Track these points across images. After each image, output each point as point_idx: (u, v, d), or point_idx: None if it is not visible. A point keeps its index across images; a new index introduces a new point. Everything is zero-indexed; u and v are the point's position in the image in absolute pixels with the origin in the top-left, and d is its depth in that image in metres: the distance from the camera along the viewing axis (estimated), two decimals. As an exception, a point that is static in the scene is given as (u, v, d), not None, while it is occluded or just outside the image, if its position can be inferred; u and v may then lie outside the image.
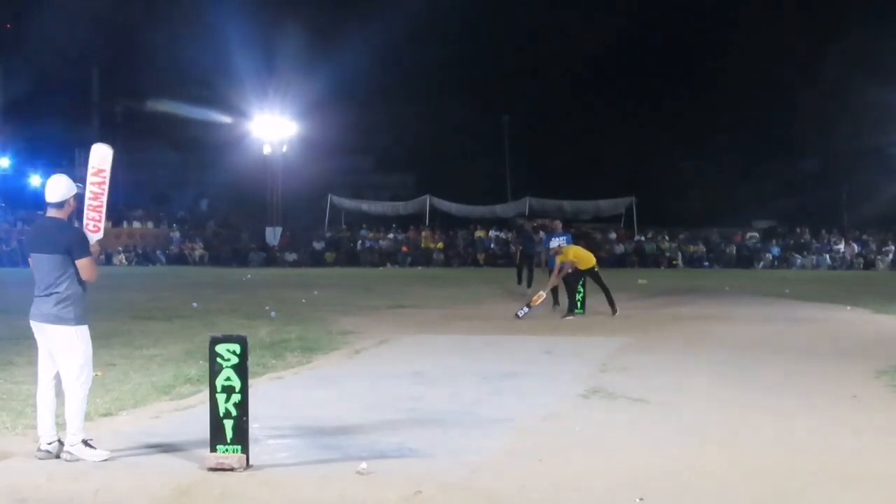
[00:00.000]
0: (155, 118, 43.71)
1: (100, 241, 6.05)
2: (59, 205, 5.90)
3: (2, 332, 11.42)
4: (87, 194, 5.94)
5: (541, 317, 15.34)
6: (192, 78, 41.14)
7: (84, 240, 5.92)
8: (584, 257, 15.37)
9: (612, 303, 15.23)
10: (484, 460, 5.85)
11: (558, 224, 17.82)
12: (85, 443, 5.81)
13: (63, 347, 5.83)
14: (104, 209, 6.01)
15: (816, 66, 41.62)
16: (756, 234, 38.90)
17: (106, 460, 5.73)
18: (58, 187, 5.92)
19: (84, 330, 5.89)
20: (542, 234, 37.74)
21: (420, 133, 45.28)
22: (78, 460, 5.73)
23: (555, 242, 16.66)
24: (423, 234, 40.39)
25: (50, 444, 5.83)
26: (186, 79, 41.53)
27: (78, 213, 6.07)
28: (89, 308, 6.01)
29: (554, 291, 16.26)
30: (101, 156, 5.96)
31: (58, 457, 5.80)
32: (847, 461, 5.89)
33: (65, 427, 5.84)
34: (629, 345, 11.66)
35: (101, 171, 5.95)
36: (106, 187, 5.98)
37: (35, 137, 43.31)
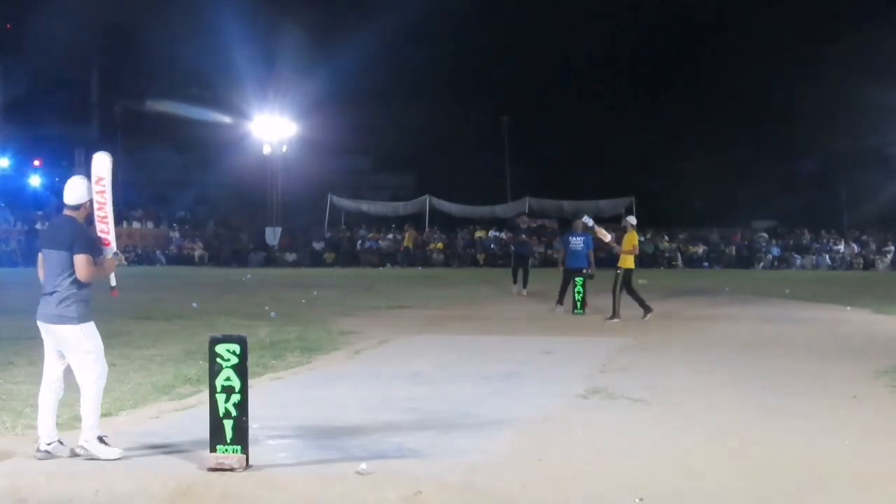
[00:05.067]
0: (155, 118, 43.73)
1: (113, 254, 5.94)
2: (75, 207, 5.93)
3: (2, 332, 11.42)
4: (94, 205, 5.91)
5: (541, 317, 15.37)
6: (192, 78, 41.20)
7: (87, 237, 5.90)
8: (632, 254, 14.73)
9: (615, 309, 14.74)
10: (484, 460, 5.85)
11: (579, 224, 17.60)
12: (100, 439, 5.81)
13: (72, 346, 5.84)
14: (111, 220, 5.96)
15: (816, 66, 41.63)
16: (765, 234, 38.89)
17: (119, 458, 5.73)
18: (74, 189, 5.94)
19: (89, 327, 5.87)
20: (534, 236, 37.70)
21: (420, 133, 45.29)
22: (92, 457, 5.74)
23: (575, 242, 16.52)
24: (407, 233, 40.28)
25: (49, 444, 5.83)
26: (186, 79, 41.60)
27: (88, 221, 6.06)
28: (92, 306, 5.98)
29: (562, 292, 16.16)
30: (100, 163, 5.93)
31: (57, 457, 5.79)
32: (847, 461, 5.88)
33: (75, 427, 5.83)
34: (629, 345, 11.65)
35: (101, 179, 5.91)
36: (108, 196, 5.94)
37: (35, 137, 43.32)
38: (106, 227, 5.94)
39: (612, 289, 14.70)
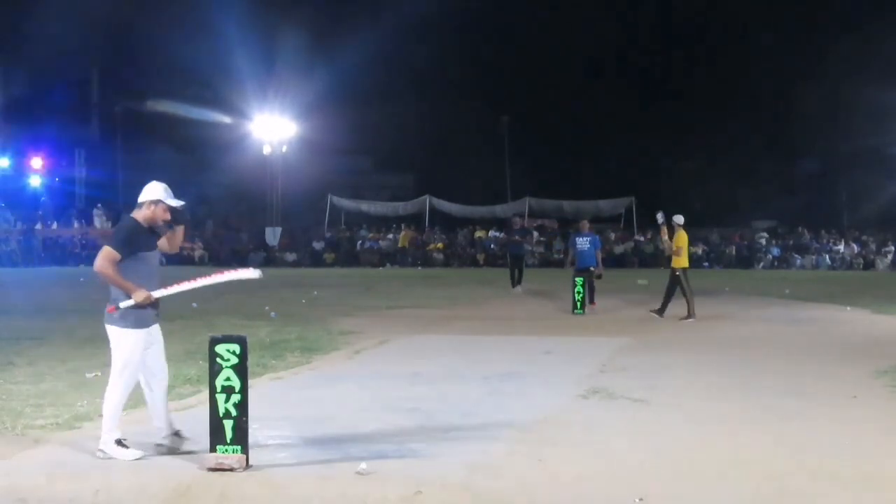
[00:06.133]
0: (155, 118, 43.71)
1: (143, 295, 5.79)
2: (138, 205, 5.98)
3: (2, 333, 11.41)
4: (174, 288, 5.88)
5: (541, 317, 15.37)
6: (192, 78, 41.13)
7: (119, 232, 5.93)
8: (686, 253, 14.73)
9: (690, 308, 14.72)
10: (484, 460, 5.85)
11: (585, 224, 17.58)
12: (119, 442, 5.81)
13: (112, 346, 5.88)
14: (184, 286, 5.91)
15: (816, 66, 41.64)
16: (765, 234, 38.90)
17: (139, 459, 5.73)
18: (145, 188, 6.00)
19: (133, 334, 5.82)
20: (536, 234, 37.43)
21: (420, 133, 45.29)
22: (110, 458, 5.75)
23: (581, 242, 16.49)
24: (403, 233, 40.35)
25: (164, 437, 5.89)
26: (186, 79, 41.52)
27: (152, 228, 6.01)
28: (148, 314, 5.86)
29: (589, 293, 15.99)
30: (247, 271, 5.93)
31: (173, 451, 5.84)
32: (847, 461, 5.88)
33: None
34: (629, 345, 11.66)
35: (231, 273, 5.94)
36: (204, 281, 5.94)
37: (35, 137, 43.30)
38: (176, 288, 5.91)
39: (681, 292, 14.72)
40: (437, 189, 43.10)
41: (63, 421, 6.78)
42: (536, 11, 47.38)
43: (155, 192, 5.97)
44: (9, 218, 38.42)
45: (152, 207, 5.96)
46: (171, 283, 5.98)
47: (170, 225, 6.03)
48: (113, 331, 5.85)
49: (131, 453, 5.77)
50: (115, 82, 46.89)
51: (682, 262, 14.68)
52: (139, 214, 5.96)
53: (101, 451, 5.79)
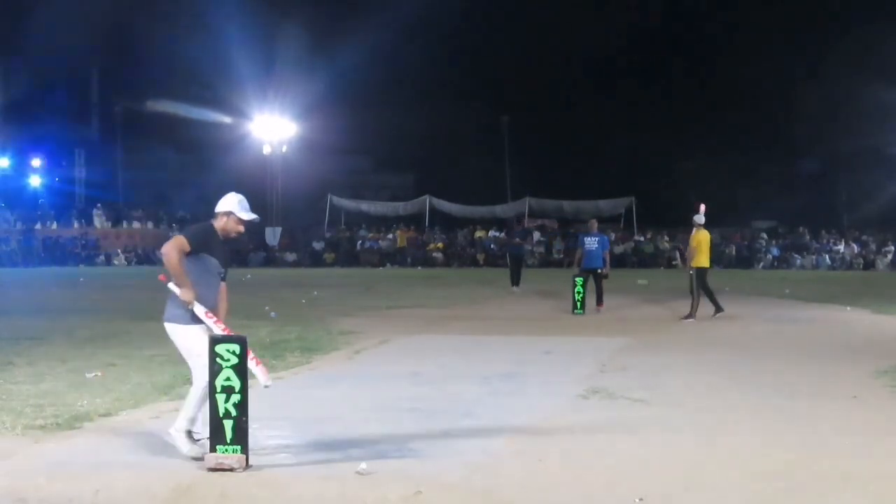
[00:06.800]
0: (155, 118, 43.75)
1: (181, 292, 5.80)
2: (214, 214, 6.07)
3: (2, 333, 11.41)
4: (208, 319, 5.83)
5: (541, 317, 15.36)
6: (192, 78, 41.18)
7: (196, 227, 6.03)
8: (704, 253, 14.63)
9: (695, 308, 14.64)
10: (484, 460, 5.85)
11: (594, 223, 17.55)
12: (189, 434, 5.81)
13: (180, 346, 5.90)
14: (213, 325, 5.81)
15: (816, 65, 41.66)
16: (765, 234, 38.93)
17: (195, 458, 5.67)
18: (221, 199, 6.09)
19: (193, 329, 5.82)
20: (537, 234, 37.50)
21: (420, 133, 45.28)
22: (174, 445, 5.79)
23: (589, 242, 16.46)
24: (399, 233, 40.41)
25: (198, 439, 5.84)
26: (186, 79, 41.58)
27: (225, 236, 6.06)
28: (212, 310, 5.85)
29: (598, 294, 15.97)
30: (261, 373, 5.75)
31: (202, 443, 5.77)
32: (847, 461, 5.88)
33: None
34: (629, 345, 11.66)
35: (253, 360, 5.74)
36: (219, 324, 5.84)
37: (35, 137, 43.32)
38: (202, 312, 5.85)
39: (689, 290, 14.72)
40: (437, 189, 43.14)
41: (63, 421, 6.77)
42: (537, 11, 47.43)
43: (228, 204, 6.06)
44: (9, 218, 38.43)
45: (224, 219, 6.05)
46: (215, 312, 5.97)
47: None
48: (176, 329, 5.87)
49: (193, 449, 5.74)
50: (115, 82, 46.97)
51: (699, 261, 14.66)
52: (217, 224, 6.06)
53: (169, 433, 5.85)
